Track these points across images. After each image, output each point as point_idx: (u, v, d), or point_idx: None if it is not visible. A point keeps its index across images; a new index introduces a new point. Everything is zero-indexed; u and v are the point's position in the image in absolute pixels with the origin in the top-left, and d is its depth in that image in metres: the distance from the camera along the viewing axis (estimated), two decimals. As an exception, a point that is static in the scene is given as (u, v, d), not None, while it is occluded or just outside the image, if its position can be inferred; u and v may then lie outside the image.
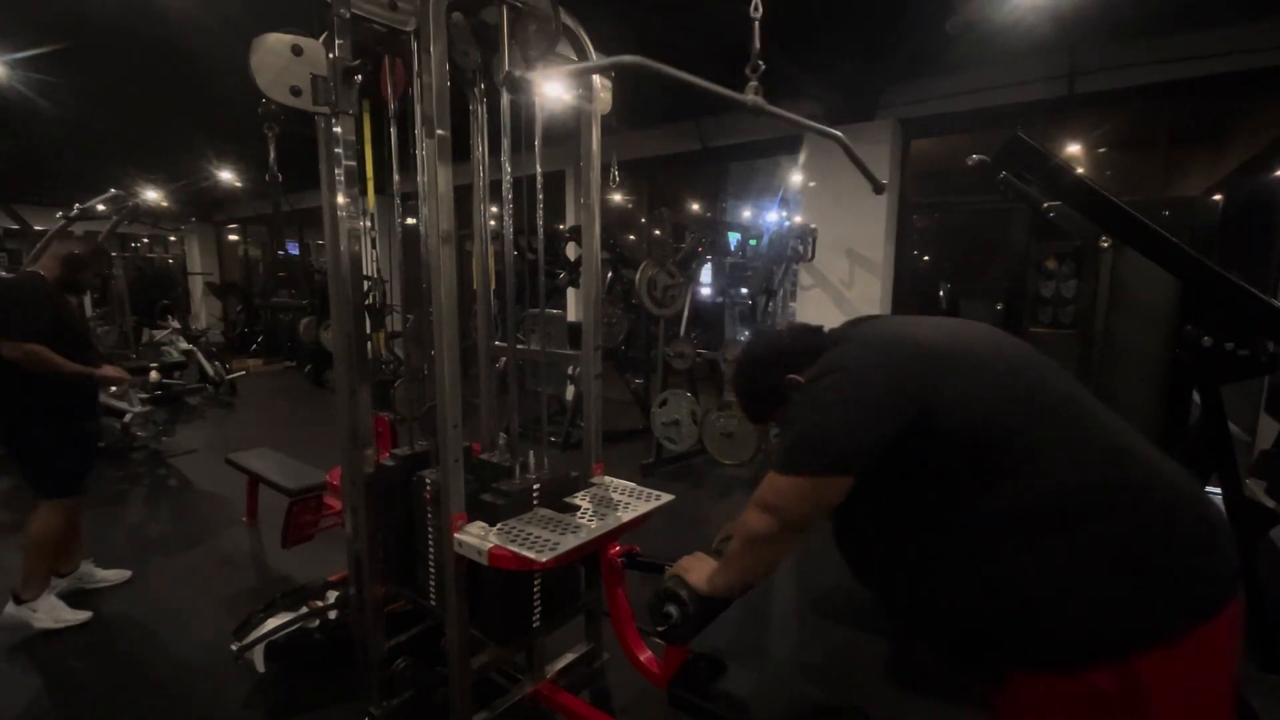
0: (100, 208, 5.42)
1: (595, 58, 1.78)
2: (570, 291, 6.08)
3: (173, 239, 13.35)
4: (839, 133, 1.87)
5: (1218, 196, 2.64)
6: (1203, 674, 0.90)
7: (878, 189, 2.01)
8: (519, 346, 1.88)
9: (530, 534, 1.51)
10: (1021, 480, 0.93)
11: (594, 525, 1.58)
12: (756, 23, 1.62)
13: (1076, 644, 0.89)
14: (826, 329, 1.28)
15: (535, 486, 1.69)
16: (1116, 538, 0.90)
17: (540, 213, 1.81)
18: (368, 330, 1.94)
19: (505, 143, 1.72)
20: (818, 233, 5.21)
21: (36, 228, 6.16)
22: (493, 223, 1.91)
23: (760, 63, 1.61)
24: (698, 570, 1.33)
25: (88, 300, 7.17)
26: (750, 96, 1.60)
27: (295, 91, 1.56)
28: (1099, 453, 0.96)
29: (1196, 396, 2.13)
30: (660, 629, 1.35)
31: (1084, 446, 0.96)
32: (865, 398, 1.00)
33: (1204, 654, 0.89)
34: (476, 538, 1.50)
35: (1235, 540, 0.97)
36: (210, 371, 7.09)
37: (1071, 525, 0.91)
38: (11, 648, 2.52)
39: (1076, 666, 0.89)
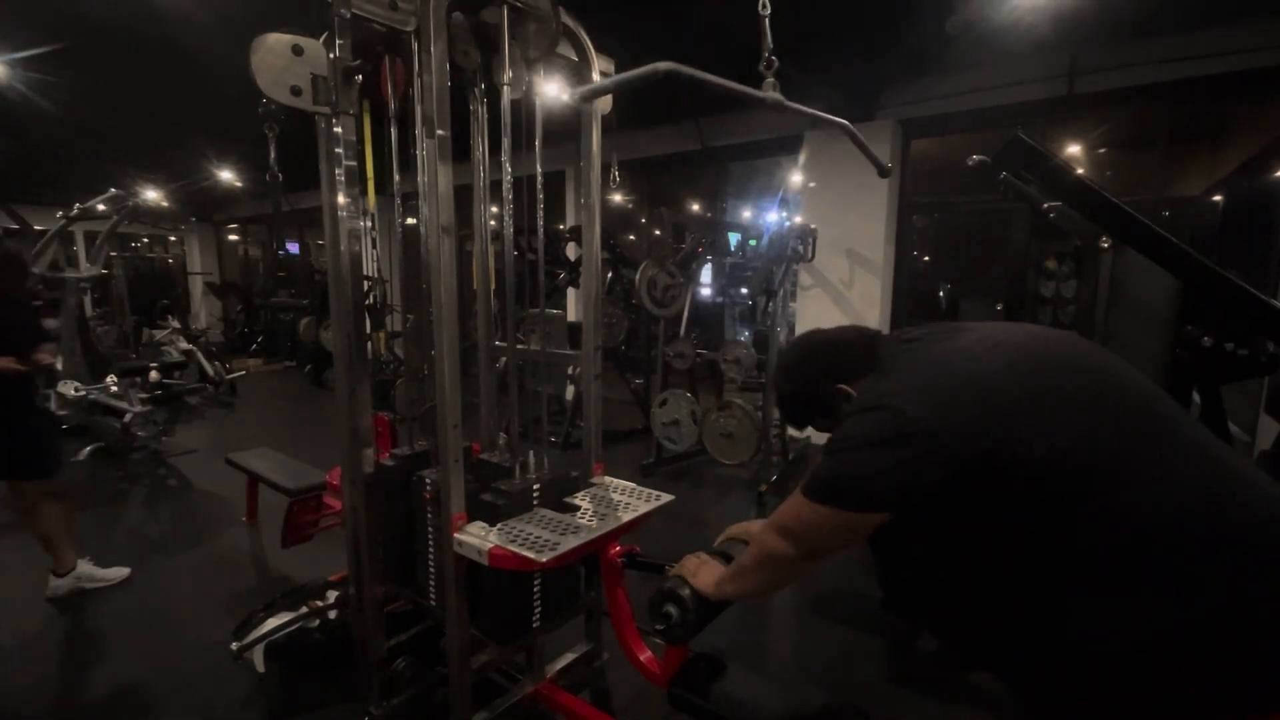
0: (100, 208, 5.42)
1: (595, 58, 1.78)
2: (570, 291, 6.08)
3: (173, 239, 13.35)
4: (845, 121, 1.88)
5: (1218, 196, 2.64)
6: None
7: (882, 172, 2.01)
8: (519, 346, 1.88)
9: (530, 534, 1.51)
10: (1100, 530, 0.86)
11: (594, 525, 1.58)
12: (766, 20, 1.62)
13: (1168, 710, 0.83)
14: (885, 335, 1.21)
15: (535, 486, 1.69)
16: (1213, 597, 0.81)
17: (540, 213, 1.81)
18: (368, 330, 1.93)
19: (505, 143, 1.72)
20: (818, 233, 5.20)
21: (36, 228, 6.14)
22: (493, 223, 1.91)
23: (774, 59, 1.61)
24: (705, 573, 1.33)
25: (88, 300, 7.17)
26: (770, 94, 1.61)
27: (295, 91, 1.56)
28: (1192, 497, 0.86)
29: (1196, 396, 2.13)
30: (660, 629, 1.35)
31: (1171, 490, 0.86)
32: (905, 442, 0.92)
33: None
34: (476, 538, 1.50)
35: None
36: (210, 371, 7.09)
37: (1157, 580, 0.83)
38: (11, 648, 2.52)
39: None
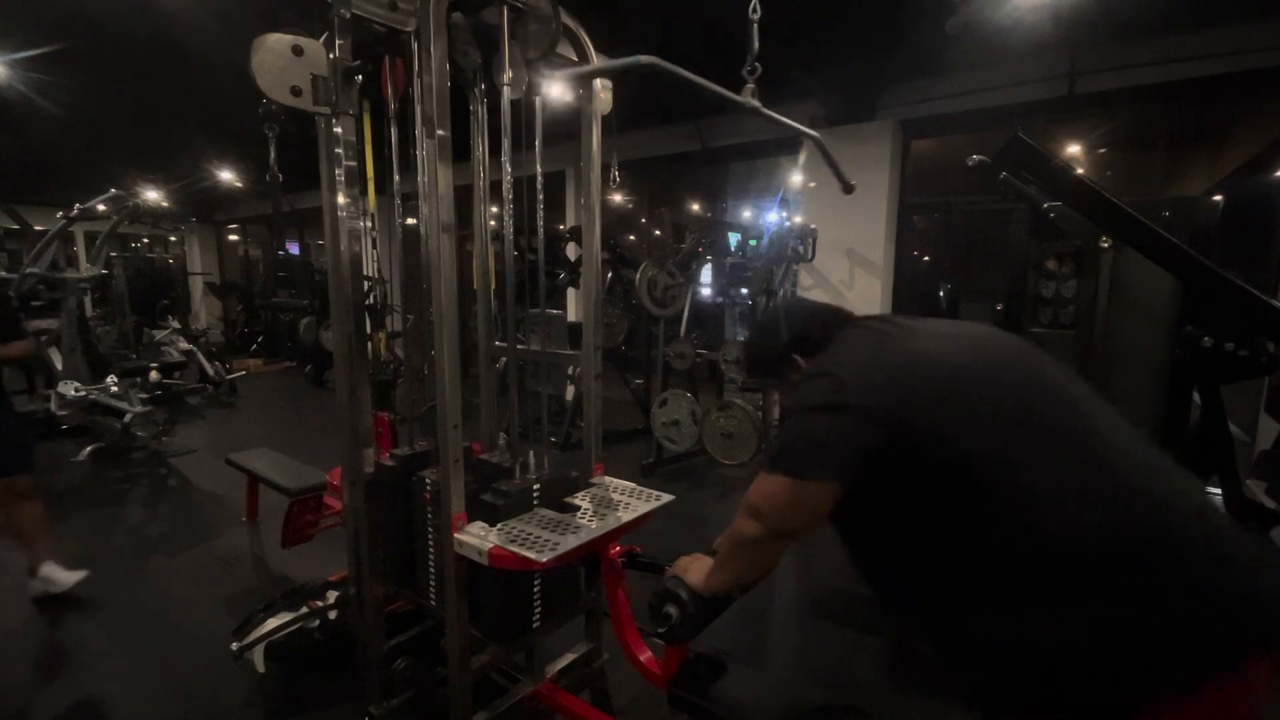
0: (100, 208, 5.42)
1: (595, 58, 1.78)
2: (570, 291, 6.08)
3: (173, 239, 13.34)
4: (816, 134, 1.91)
5: (1218, 196, 2.64)
6: None
7: (846, 189, 2.04)
8: (519, 346, 1.88)
9: (530, 534, 1.51)
10: (1017, 524, 0.89)
11: (594, 525, 1.58)
12: (755, 24, 1.62)
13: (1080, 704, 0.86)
14: (856, 318, 1.23)
15: (535, 486, 1.69)
16: (1118, 597, 0.84)
17: (540, 213, 1.81)
18: (368, 330, 1.93)
19: (505, 143, 1.72)
20: (818, 233, 5.21)
21: (36, 228, 6.15)
22: (493, 223, 1.91)
23: (757, 64, 1.62)
24: (695, 570, 1.33)
25: (88, 301, 7.18)
26: (748, 100, 1.61)
27: (296, 92, 1.56)
28: (1108, 496, 0.88)
29: (1196, 396, 2.13)
30: (660, 629, 1.35)
31: (1087, 490, 0.89)
32: (846, 407, 0.98)
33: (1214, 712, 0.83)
34: (476, 538, 1.50)
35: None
36: (210, 371, 7.08)
37: (1065, 579, 0.87)
38: (9, 648, 2.52)
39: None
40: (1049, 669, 0.86)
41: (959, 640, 0.98)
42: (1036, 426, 0.95)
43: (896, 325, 1.11)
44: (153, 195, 7.22)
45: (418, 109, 1.63)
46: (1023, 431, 0.94)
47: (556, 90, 1.89)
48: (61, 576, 2.89)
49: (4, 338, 2.84)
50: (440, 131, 1.41)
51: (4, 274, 5.26)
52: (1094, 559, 0.85)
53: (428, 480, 1.71)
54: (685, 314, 4.96)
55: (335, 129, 1.60)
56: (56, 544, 3.26)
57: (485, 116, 1.89)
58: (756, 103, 1.66)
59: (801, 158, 5.48)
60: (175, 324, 7.59)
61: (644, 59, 1.37)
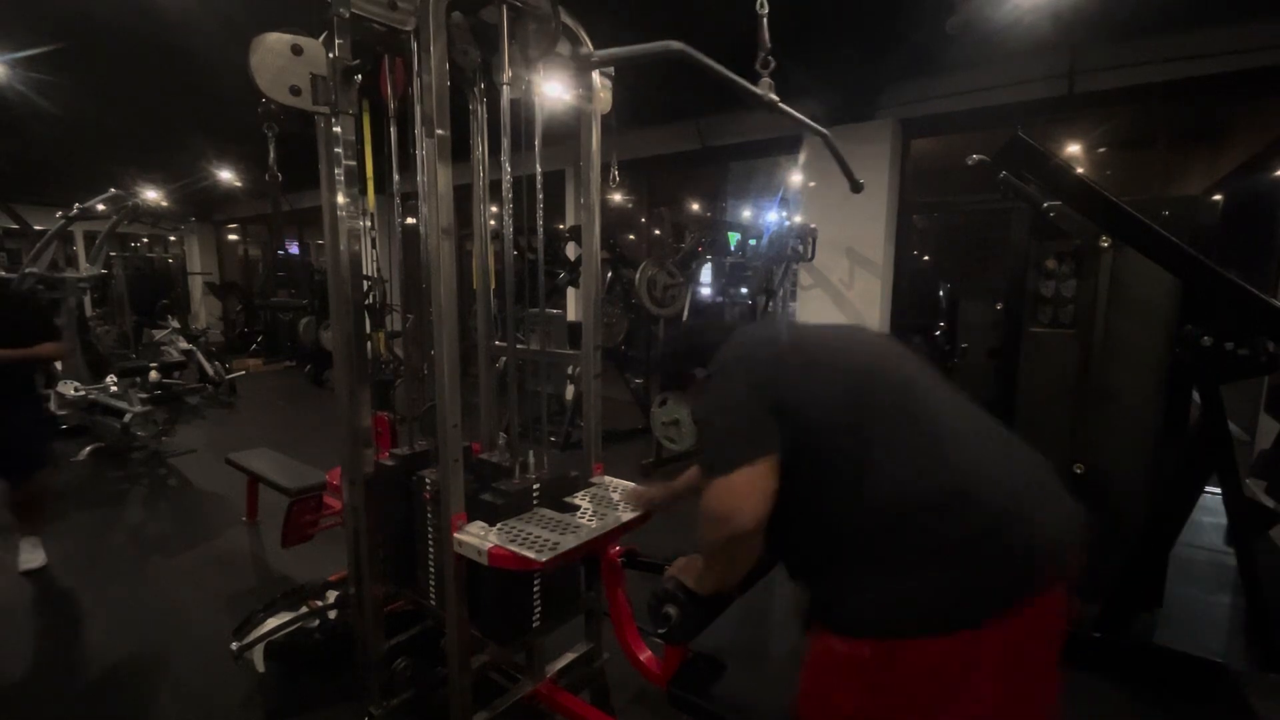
0: (100, 208, 5.42)
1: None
2: (570, 291, 6.08)
3: (173, 239, 13.35)
4: (826, 131, 1.91)
5: (1218, 196, 2.64)
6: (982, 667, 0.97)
7: (855, 188, 2.06)
8: (519, 346, 1.88)
9: (530, 534, 1.51)
10: (854, 485, 1.03)
11: (594, 525, 1.58)
12: (764, 19, 1.62)
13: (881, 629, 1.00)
14: (744, 326, 1.37)
15: (535, 486, 1.69)
16: (925, 547, 0.99)
17: (540, 213, 1.81)
18: (368, 330, 1.93)
19: (505, 142, 1.72)
20: (818, 233, 5.20)
21: (36, 228, 6.15)
22: (492, 222, 1.91)
23: (771, 59, 1.62)
24: (689, 570, 1.34)
25: (88, 300, 7.18)
26: (766, 94, 1.62)
27: (295, 91, 1.55)
28: (928, 464, 1.02)
29: (1196, 396, 2.13)
30: (660, 629, 1.35)
31: (913, 456, 1.03)
32: (746, 385, 1.12)
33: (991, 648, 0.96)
34: (476, 538, 1.50)
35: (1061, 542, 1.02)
36: (210, 371, 7.08)
37: (888, 533, 1.00)
38: (9, 648, 2.52)
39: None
40: (885, 609, 1.00)
41: (824, 590, 1.10)
42: (882, 407, 1.08)
43: (765, 324, 1.27)
44: (152, 195, 7.23)
45: (417, 108, 1.63)
46: (871, 411, 1.07)
47: (556, 89, 1.88)
48: (26, 557, 3.10)
49: (35, 338, 2.94)
50: (440, 131, 1.40)
51: (3, 274, 5.26)
52: (914, 518, 1.00)
53: (428, 480, 1.71)
54: (685, 314, 4.96)
55: (335, 128, 1.60)
56: (56, 544, 3.27)
57: (485, 116, 1.89)
58: (774, 96, 1.66)
59: (802, 157, 5.48)
60: (175, 324, 7.58)
61: (672, 45, 1.39)
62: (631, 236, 7.85)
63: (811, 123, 1.89)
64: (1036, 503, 1.03)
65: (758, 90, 1.62)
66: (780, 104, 1.68)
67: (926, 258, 6.76)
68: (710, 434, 1.18)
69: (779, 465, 1.05)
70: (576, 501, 1.75)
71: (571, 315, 6.24)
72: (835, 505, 1.05)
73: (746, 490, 1.05)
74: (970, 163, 2.64)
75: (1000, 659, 0.96)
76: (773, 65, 1.64)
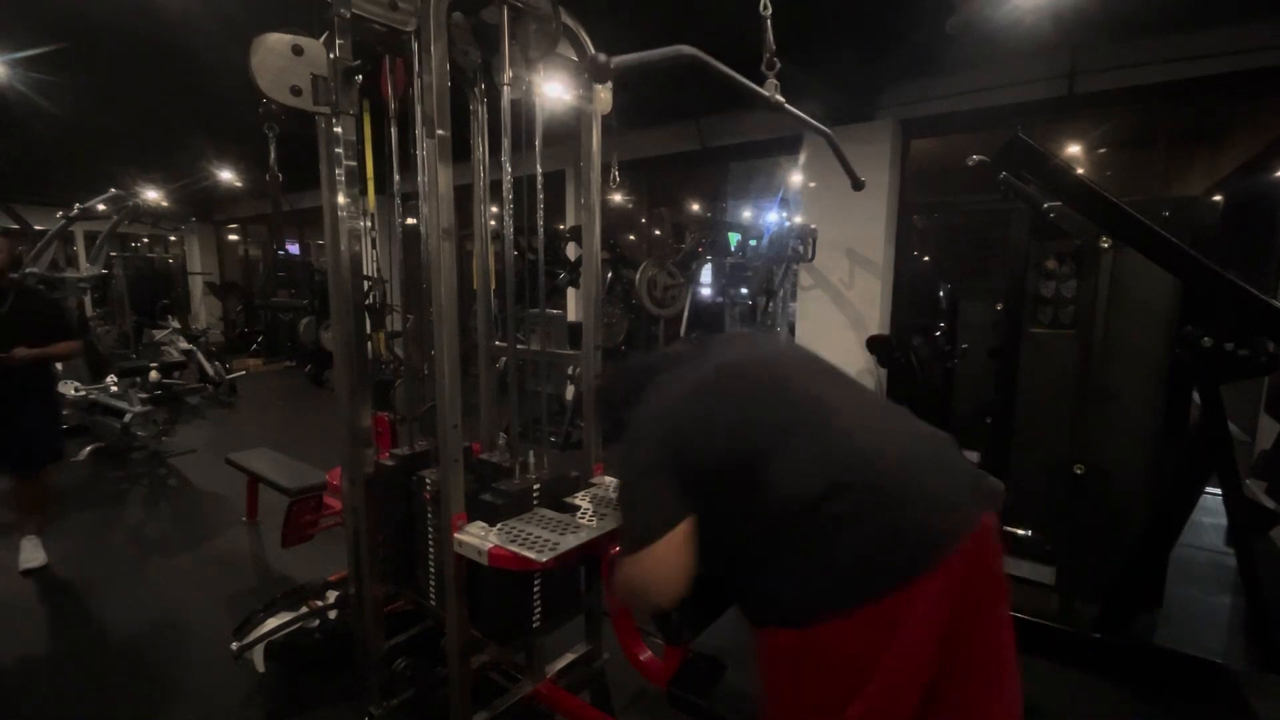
0: (100, 208, 5.42)
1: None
2: (570, 291, 6.08)
3: (173, 239, 13.34)
4: (829, 130, 1.91)
5: (1218, 196, 2.64)
6: (875, 643, 1.00)
7: (856, 185, 2.07)
8: (519, 346, 1.88)
9: (530, 534, 1.51)
10: (761, 498, 1.07)
11: (594, 525, 1.58)
12: (768, 20, 1.62)
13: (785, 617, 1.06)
14: (663, 361, 1.38)
15: (535, 486, 1.69)
16: (822, 534, 1.03)
17: (540, 213, 1.81)
18: (368, 330, 1.93)
19: (505, 143, 1.72)
20: (818, 233, 5.20)
21: (36, 228, 6.14)
22: (493, 223, 1.91)
23: (776, 60, 1.63)
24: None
25: (88, 300, 7.18)
26: (774, 95, 1.63)
27: (296, 91, 1.56)
28: (824, 461, 1.07)
29: (1196, 396, 2.13)
30: (660, 629, 1.35)
31: (810, 457, 1.07)
32: (652, 451, 1.16)
33: (879, 626, 0.99)
34: (476, 538, 1.50)
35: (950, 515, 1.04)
36: (210, 371, 7.08)
37: (791, 529, 1.05)
38: (9, 648, 2.52)
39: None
40: (797, 598, 1.04)
41: (751, 592, 1.14)
42: (783, 424, 1.12)
43: (683, 373, 1.26)
44: (153, 195, 7.23)
45: (418, 109, 1.63)
46: (778, 420, 1.12)
47: (557, 90, 1.89)
48: (26, 556, 3.12)
49: (52, 336, 3.03)
50: (440, 131, 1.41)
51: (28, 272, 5.26)
52: (812, 510, 1.03)
53: (428, 480, 1.71)
54: (685, 314, 4.96)
55: (335, 129, 1.60)
56: (56, 544, 3.27)
57: (485, 116, 1.89)
58: (780, 98, 1.67)
59: (802, 157, 5.48)
60: (175, 324, 7.58)
61: (684, 49, 1.39)
62: (632, 237, 7.85)
63: (816, 123, 1.90)
64: (931, 476, 1.07)
65: (764, 92, 1.63)
66: (786, 105, 1.69)
67: (926, 258, 6.76)
68: (623, 504, 1.22)
69: (693, 526, 1.11)
70: (577, 502, 1.74)
71: (572, 315, 6.24)
72: (748, 522, 1.10)
73: (658, 569, 1.11)
74: (970, 163, 2.64)
75: (921, 620, 0.98)
76: (778, 66, 1.64)
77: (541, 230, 1.85)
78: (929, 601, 0.98)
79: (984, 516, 1.06)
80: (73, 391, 5.03)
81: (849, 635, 1.00)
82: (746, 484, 1.08)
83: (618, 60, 1.45)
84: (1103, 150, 5.47)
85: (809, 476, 1.05)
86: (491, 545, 1.46)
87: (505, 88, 1.62)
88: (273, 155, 2.00)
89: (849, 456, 1.07)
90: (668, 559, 1.10)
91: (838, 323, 5.32)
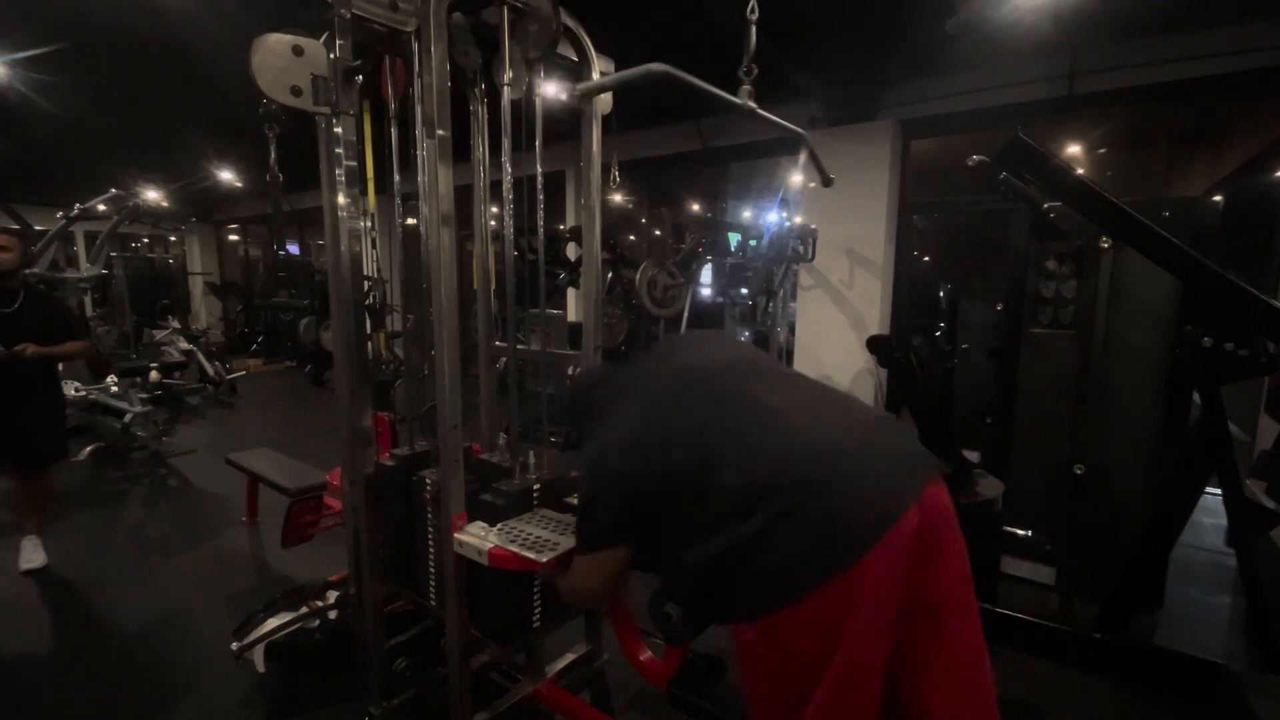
0: (100, 208, 5.42)
1: (595, 58, 1.78)
2: (570, 291, 6.08)
3: (173, 239, 13.33)
4: (803, 132, 1.99)
5: (1218, 196, 2.64)
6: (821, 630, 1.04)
7: (825, 182, 2.11)
8: (519, 346, 1.88)
9: (530, 534, 1.51)
10: (709, 497, 1.12)
11: (594, 525, 1.58)
12: (753, 26, 1.63)
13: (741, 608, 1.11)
14: (617, 374, 1.45)
15: (535, 486, 1.69)
16: (762, 528, 1.06)
17: (540, 213, 1.81)
18: (368, 330, 1.94)
19: (505, 143, 1.72)
20: (818, 233, 5.20)
21: (36, 228, 6.14)
22: (493, 223, 1.91)
23: (754, 66, 1.63)
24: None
25: (88, 300, 7.18)
26: (745, 101, 1.63)
27: (296, 92, 1.56)
28: (760, 458, 1.11)
29: (1196, 396, 2.13)
30: (660, 629, 1.35)
31: (748, 455, 1.12)
32: (607, 469, 1.25)
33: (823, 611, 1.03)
34: (476, 538, 1.50)
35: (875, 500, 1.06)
36: (210, 371, 7.08)
37: (733, 528, 1.08)
38: (9, 648, 2.52)
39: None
40: (749, 592, 1.08)
41: (712, 595, 1.16)
42: (734, 418, 1.17)
43: (646, 372, 1.37)
44: (153, 195, 7.22)
45: (418, 109, 1.63)
46: (725, 425, 1.17)
47: (557, 90, 1.89)
48: (27, 556, 3.12)
49: (61, 336, 3.06)
50: (440, 131, 1.41)
51: (37, 272, 5.27)
52: (749, 506, 1.07)
53: (428, 480, 1.71)
54: (685, 314, 4.96)
55: (335, 129, 1.60)
56: (56, 544, 3.27)
57: (485, 116, 1.89)
58: (752, 104, 1.68)
59: (801, 158, 5.46)
60: (175, 324, 7.58)
61: (655, 67, 1.41)
62: (632, 237, 7.85)
63: (790, 125, 1.92)
64: (862, 462, 1.10)
65: (736, 99, 1.65)
66: (759, 110, 1.71)
67: (927, 258, 6.76)
68: (580, 504, 1.33)
69: (624, 554, 1.25)
70: (577, 502, 1.74)
71: (572, 315, 6.24)
72: (701, 526, 1.14)
73: (583, 579, 1.31)
74: (970, 163, 2.64)
75: (872, 597, 1.01)
76: (755, 72, 1.66)
77: (541, 230, 1.85)
78: (876, 578, 1.01)
79: (926, 489, 1.08)
80: (73, 391, 5.03)
81: (804, 622, 1.04)
82: (697, 487, 1.13)
83: (584, 86, 1.52)
84: (1103, 150, 5.47)
85: (747, 478, 1.09)
86: (491, 545, 1.46)
87: (505, 88, 1.62)
88: (273, 155, 2.00)
89: (784, 454, 1.11)
90: (592, 571, 1.29)
91: (838, 323, 5.32)
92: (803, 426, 1.16)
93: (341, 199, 1.64)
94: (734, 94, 1.71)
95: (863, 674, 1.05)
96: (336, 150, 1.61)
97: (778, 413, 1.18)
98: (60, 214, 5.25)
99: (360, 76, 1.61)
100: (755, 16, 1.64)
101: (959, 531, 1.15)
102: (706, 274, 5.84)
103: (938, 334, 5.50)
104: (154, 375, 5.63)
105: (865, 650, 1.03)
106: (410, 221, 2.03)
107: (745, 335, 6.22)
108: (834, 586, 1.01)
